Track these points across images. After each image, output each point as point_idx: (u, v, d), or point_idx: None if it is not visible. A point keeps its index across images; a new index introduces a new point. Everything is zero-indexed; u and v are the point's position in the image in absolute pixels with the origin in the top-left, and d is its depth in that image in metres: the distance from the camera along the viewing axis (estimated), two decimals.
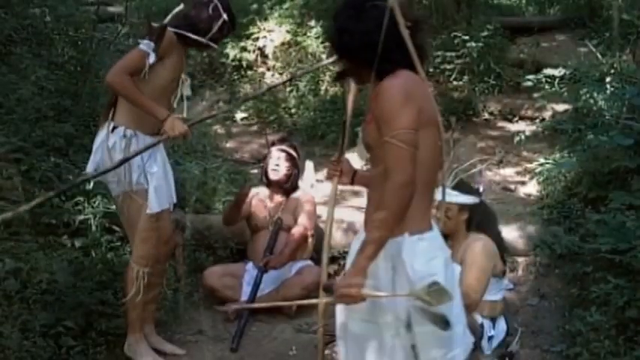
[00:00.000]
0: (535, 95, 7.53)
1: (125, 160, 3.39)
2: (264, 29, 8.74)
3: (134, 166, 3.47)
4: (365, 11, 2.28)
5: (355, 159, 6.76)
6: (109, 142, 3.48)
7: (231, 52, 8.59)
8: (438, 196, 2.51)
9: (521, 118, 7.93)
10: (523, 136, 6.99)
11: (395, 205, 2.18)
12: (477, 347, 3.81)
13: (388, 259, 2.29)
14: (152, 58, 3.44)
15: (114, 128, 3.49)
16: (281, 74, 8.60)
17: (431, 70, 8.49)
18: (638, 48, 7.22)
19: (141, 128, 3.51)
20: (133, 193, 3.51)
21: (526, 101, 7.98)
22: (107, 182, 3.63)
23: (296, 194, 4.79)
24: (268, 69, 8.71)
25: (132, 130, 3.48)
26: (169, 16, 3.60)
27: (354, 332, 2.48)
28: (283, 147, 4.71)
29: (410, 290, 2.23)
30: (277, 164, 4.68)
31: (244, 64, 8.67)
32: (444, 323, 2.21)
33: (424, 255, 2.29)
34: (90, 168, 3.58)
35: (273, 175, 4.68)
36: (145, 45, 3.46)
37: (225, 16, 3.57)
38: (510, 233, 4.85)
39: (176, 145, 5.63)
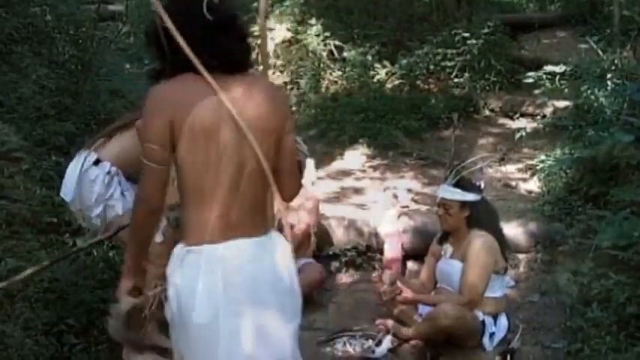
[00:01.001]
0: (536, 92, 7.53)
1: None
2: None
3: (118, 204, 3.47)
4: (167, 6, 2.15)
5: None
6: (91, 174, 3.45)
7: None
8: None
9: (522, 115, 7.94)
10: (524, 133, 6.99)
11: (133, 219, 2.16)
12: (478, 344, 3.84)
13: None
14: None
15: (98, 161, 3.48)
16: (282, 72, 8.60)
17: (432, 67, 8.51)
18: (638, 44, 7.21)
19: (124, 170, 3.51)
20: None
21: (527, 98, 7.98)
22: (90, 218, 3.55)
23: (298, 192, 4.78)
24: (269, 67, 8.70)
25: (116, 168, 3.48)
26: None
27: None
28: None
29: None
30: None
31: None
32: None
33: (188, 269, 2.13)
34: (69, 196, 3.52)
35: None
36: None
37: None
38: (511, 230, 4.85)
39: None
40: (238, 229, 2.15)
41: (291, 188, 2.33)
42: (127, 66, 7.21)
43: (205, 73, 2.08)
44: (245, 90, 2.15)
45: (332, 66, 8.58)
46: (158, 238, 3.49)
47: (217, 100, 2.09)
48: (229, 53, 2.14)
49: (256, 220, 2.21)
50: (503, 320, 3.94)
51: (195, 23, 2.10)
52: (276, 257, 2.22)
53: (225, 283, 2.11)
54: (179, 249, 2.19)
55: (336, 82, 8.46)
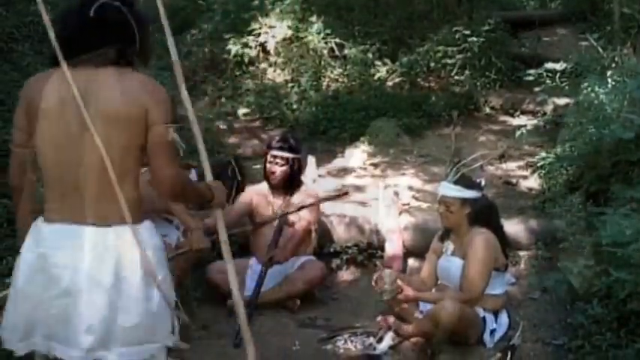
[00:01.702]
0: (536, 89, 7.53)
1: None
2: (266, 25, 8.73)
3: None
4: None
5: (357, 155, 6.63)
6: None
7: (233, 47, 8.58)
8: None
9: (523, 113, 7.95)
10: (524, 131, 6.98)
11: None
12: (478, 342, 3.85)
13: None
14: None
15: None
16: (283, 70, 8.59)
17: (432, 65, 8.51)
18: (638, 42, 7.21)
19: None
20: None
21: (527, 95, 7.99)
22: None
23: (299, 190, 4.80)
24: (270, 65, 8.70)
25: None
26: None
27: None
28: (276, 153, 4.69)
29: None
30: (273, 171, 4.69)
31: (246, 59, 8.67)
32: None
33: (28, 240, 2.31)
34: None
35: (272, 180, 4.71)
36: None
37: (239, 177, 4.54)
38: (512, 227, 4.85)
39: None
40: (76, 214, 2.23)
41: (159, 181, 2.31)
42: None
43: (62, 63, 2.26)
44: (105, 82, 2.25)
45: (333, 64, 8.57)
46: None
47: (66, 88, 2.22)
48: (89, 51, 2.28)
49: (102, 209, 2.24)
50: (503, 317, 3.96)
51: (71, 20, 2.35)
52: (105, 251, 2.21)
53: (37, 261, 2.24)
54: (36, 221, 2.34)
55: (336, 79, 8.46)
